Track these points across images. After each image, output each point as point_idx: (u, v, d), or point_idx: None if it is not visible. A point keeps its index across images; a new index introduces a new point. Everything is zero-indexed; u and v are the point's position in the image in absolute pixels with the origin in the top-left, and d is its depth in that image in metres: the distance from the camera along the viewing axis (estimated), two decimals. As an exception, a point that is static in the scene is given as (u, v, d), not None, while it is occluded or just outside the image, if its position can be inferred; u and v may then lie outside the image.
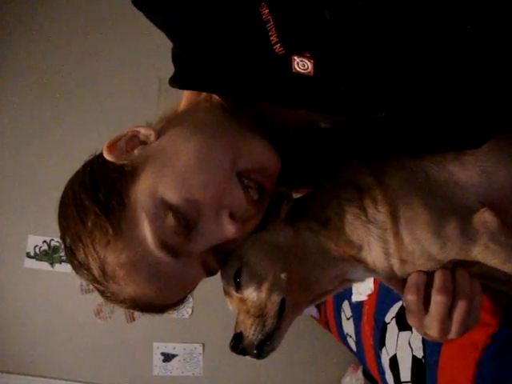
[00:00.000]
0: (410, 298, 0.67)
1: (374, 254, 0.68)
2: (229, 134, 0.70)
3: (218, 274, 0.73)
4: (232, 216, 0.66)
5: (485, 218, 0.66)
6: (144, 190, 0.64)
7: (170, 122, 0.73)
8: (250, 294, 0.67)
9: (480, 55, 0.60)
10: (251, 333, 0.65)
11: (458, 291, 0.66)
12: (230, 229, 0.65)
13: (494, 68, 0.61)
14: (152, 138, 0.69)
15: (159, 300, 0.69)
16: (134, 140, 0.70)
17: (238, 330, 0.66)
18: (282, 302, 0.66)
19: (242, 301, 0.68)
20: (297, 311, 0.70)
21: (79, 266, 0.67)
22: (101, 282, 0.66)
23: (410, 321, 0.70)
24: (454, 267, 0.68)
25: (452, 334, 0.67)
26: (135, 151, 0.68)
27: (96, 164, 0.70)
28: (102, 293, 0.68)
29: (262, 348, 0.66)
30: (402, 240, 0.66)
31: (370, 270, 0.70)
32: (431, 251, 0.66)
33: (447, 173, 0.70)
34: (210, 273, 0.71)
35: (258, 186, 0.70)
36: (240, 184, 0.67)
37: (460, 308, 0.66)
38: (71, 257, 0.68)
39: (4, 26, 2.57)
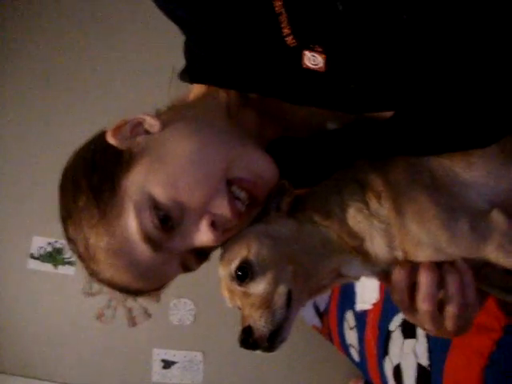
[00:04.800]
0: (396, 298, 0.68)
1: (376, 246, 0.69)
2: (228, 141, 0.70)
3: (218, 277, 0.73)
4: (213, 224, 0.67)
5: (495, 218, 0.66)
6: (135, 182, 0.65)
7: (175, 114, 0.74)
8: (256, 286, 0.67)
9: (493, 52, 0.60)
10: (261, 324, 0.64)
11: (448, 288, 0.66)
12: (208, 236, 0.67)
13: (508, 66, 0.62)
14: (156, 128, 0.70)
15: (135, 286, 0.71)
16: (138, 127, 0.70)
17: (246, 324, 0.65)
18: (289, 293, 0.66)
19: (246, 295, 0.68)
20: (299, 304, 0.70)
21: (68, 239, 0.70)
22: (84, 259, 0.69)
23: (405, 316, 0.70)
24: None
25: (449, 330, 0.67)
26: (137, 139, 0.69)
27: (100, 143, 0.70)
28: (85, 268, 0.71)
29: (273, 339, 0.65)
30: (409, 232, 0.67)
31: (367, 264, 0.70)
32: (440, 244, 0.66)
33: (453, 174, 0.70)
34: (188, 270, 0.72)
35: (249, 195, 0.70)
36: (227, 194, 0.67)
37: (452, 305, 0.66)
38: (64, 227, 0.71)
39: (12, 11, 2.61)
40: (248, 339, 0.64)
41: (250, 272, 0.67)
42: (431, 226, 0.66)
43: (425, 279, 0.67)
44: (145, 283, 0.71)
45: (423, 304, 0.66)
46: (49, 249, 2.54)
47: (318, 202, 0.73)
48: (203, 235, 0.67)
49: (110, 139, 0.69)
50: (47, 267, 2.54)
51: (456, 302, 0.66)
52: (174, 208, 0.65)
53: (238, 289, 0.68)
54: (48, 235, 2.52)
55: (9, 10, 2.62)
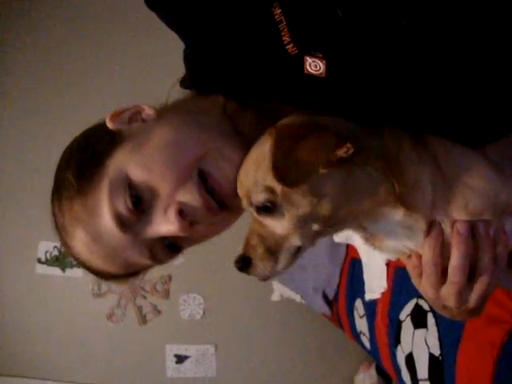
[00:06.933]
0: (429, 270, 0.65)
1: (421, 200, 0.63)
2: (211, 133, 0.71)
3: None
4: (181, 213, 0.67)
5: None
6: (116, 162, 0.69)
7: (172, 107, 0.77)
8: (273, 223, 0.63)
9: (493, 55, 0.60)
10: (260, 266, 0.63)
11: (480, 256, 0.64)
12: (175, 224, 0.67)
13: (507, 68, 0.61)
14: (151, 117, 0.73)
15: (101, 266, 0.73)
16: (137, 115, 0.74)
17: (248, 253, 0.63)
18: (299, 249, 0.64)
19: (260, 223, 0.64)
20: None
21: (53, 214, 0.75)
22: (60, 231, 0.73)
23: (427, 291, 0.67)
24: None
25: (471, 303, 0.66)
26: (133, 125, 0.73)
27: (97, 128, 0.75)
28: (61, 243, 0.76)
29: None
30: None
31: (406, 219, 0.65)
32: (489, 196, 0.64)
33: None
34: (157, 261, 0.73)
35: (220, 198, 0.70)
36: (197, 182, 0.68)
37: (481, 281, 0.64)
38: (51, 203, 0.75)
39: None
40: (243, 268, 0.64)
41: (272, 208, 0.62)
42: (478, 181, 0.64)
43: (458, 250, 0.64)
44: (110, 264, 0.72)
45: (454, 276, 0.63)
46: (55, 253, 2.55)
47: (372, 143, 0.65)
48: (169, 223, 0.67)
49: (109, 123, 0.72)
50: (55, 271, 2.56)
51: (489, 272, 0.64)
52: (146, 190, 0.67)
53: (254, 215, 0.64)
54: (54, 239, 2.52)
55: (12, 9, 2.59)
